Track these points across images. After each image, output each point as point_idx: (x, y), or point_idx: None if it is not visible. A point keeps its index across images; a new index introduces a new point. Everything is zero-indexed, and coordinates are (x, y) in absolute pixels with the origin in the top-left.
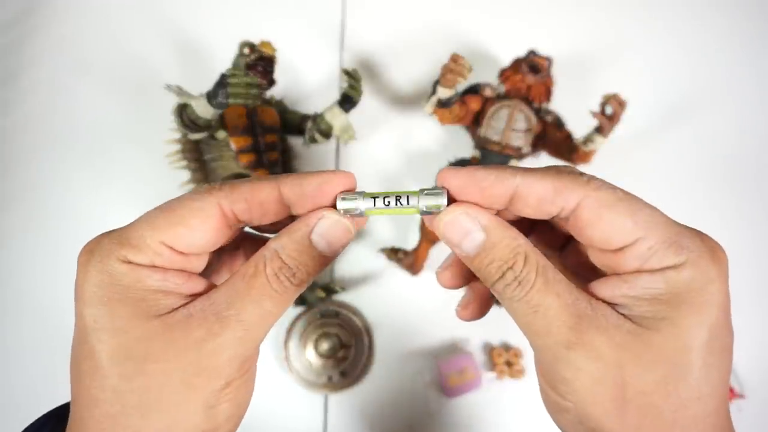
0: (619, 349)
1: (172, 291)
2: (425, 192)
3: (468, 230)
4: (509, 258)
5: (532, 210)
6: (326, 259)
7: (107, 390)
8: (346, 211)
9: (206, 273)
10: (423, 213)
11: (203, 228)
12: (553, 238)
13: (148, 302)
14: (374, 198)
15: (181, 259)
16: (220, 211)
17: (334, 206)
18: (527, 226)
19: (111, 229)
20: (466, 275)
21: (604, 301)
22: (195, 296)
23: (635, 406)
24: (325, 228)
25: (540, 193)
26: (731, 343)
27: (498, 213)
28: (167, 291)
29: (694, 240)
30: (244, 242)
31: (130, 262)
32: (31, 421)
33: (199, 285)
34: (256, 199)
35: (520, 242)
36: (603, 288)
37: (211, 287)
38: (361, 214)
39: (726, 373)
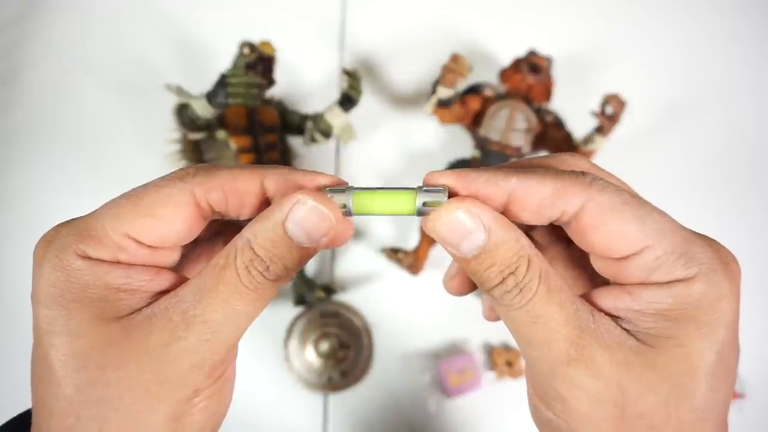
0: (620, 367)
1: (136, 289)
2: (423, 189)
3: (469, 230)
4: (512, 262)
5: (531, 215)
6: (306, 251)
7: (61, 400)
8: None
9: (182, 264)
10: (420, 214)
11: (174, 219)
12: (560, 230)
13: (108, 302)
14: (362, 189)
15: (149, 253)
16: (193, 199)
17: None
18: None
19: (70, 219)
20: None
21: (606, 313)
22: (163, 293)
23: (633, 427)
24: (301, 215)
25: (539, 196)
26: (736, 362)
27: None
28: (131, 289)
29: (706, 250)
30: (225, 228)
31: (89, 258)
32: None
33: (167, 280)
34: (235, 189)
35: (524, 244)
36: (605, 298)
37: (182, 282)
38: (349, 213)
39: (729, 393)
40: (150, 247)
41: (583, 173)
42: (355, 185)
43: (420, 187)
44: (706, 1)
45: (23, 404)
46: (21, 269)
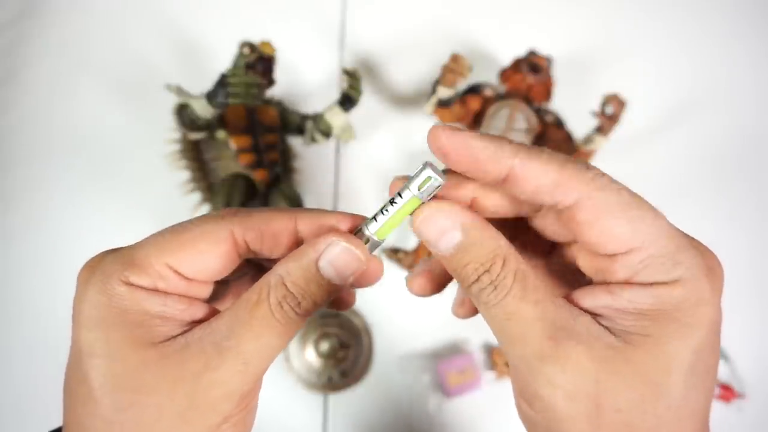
0: (597, 362)
1: (171, 317)
2: (421, 193)
3: (445, 228)
4: (487, 260)
5: (527, 196)
6: (334, 288)
7: (98, 419)
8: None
9: (210, 300)
10: (424, 198)
11: (212, 253)
12: (538, 243)
13: (144, 328)
14: (374, 217)
15: (186, 284)
16: (232, 237)
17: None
18: (510, 231)
19: (115, 248)
20: (438, 282)
21: (587, 311)
22: (196, 323)
23: (610, 424)
24: (334, 255)
25: (537, 182)
26: (716, 364)
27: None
28: (166, 317)
29: (691, 256)
30: (250, 267)
31: (131, 284)
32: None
33: (200, 311)
34: (271, 229)
35: (501, 244)
36: (586, 297)
37: (214, 314)
38: (377, 243)
39: (709, 394)
40: (187, 279)
41: (588, 167)
42: (368, 216)
43: (409, 177)
44: (707, 1)
45: (22, 400)
46: (21, 269)
